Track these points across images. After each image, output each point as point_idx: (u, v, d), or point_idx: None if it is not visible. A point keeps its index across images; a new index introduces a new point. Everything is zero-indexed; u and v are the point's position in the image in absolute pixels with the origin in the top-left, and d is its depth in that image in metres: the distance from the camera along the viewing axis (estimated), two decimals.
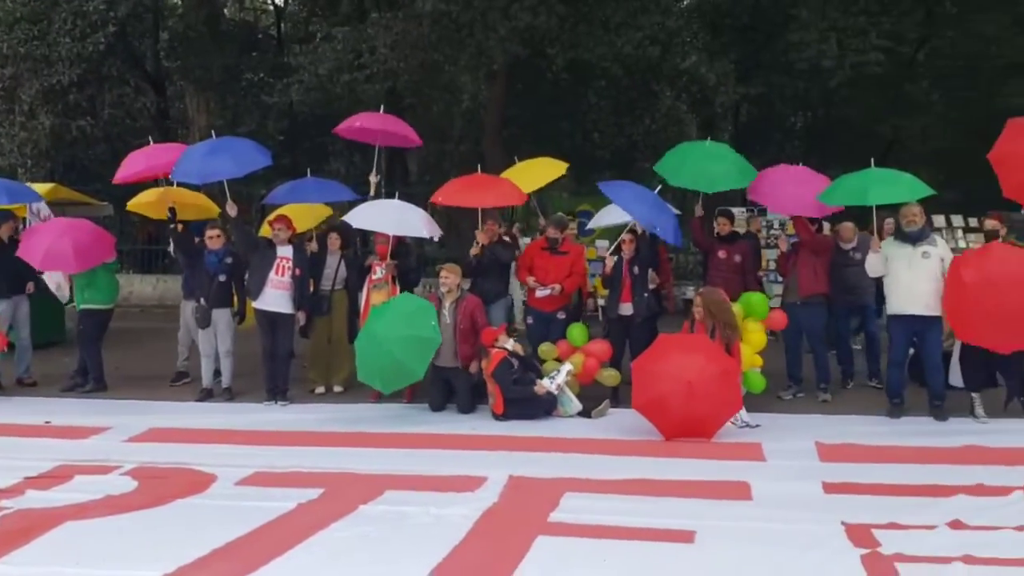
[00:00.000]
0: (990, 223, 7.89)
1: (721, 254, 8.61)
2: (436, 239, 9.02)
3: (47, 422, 7.74)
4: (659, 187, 8.33)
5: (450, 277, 7.98)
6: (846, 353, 8.90)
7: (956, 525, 4.94)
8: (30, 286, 9.35)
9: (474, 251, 8.52)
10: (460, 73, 13.87)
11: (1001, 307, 6.77)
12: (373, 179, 9.26)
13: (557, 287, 8.43)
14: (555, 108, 18.63)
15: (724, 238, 8.81)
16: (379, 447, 6.86)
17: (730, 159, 8.61)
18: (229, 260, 8.58)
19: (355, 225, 8.58)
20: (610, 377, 8.07)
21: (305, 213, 9.35)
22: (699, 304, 7.46)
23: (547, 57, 14.75)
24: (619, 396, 7.99)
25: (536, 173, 9.36)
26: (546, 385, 7.59)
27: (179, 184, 8.91)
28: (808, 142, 20.21)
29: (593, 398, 7.84)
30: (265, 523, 5.09)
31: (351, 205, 9.01)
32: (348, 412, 7.98)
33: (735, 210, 10.81)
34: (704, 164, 8.40)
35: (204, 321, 8.53)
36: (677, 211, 10.52)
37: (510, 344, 7.73)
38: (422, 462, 6.37)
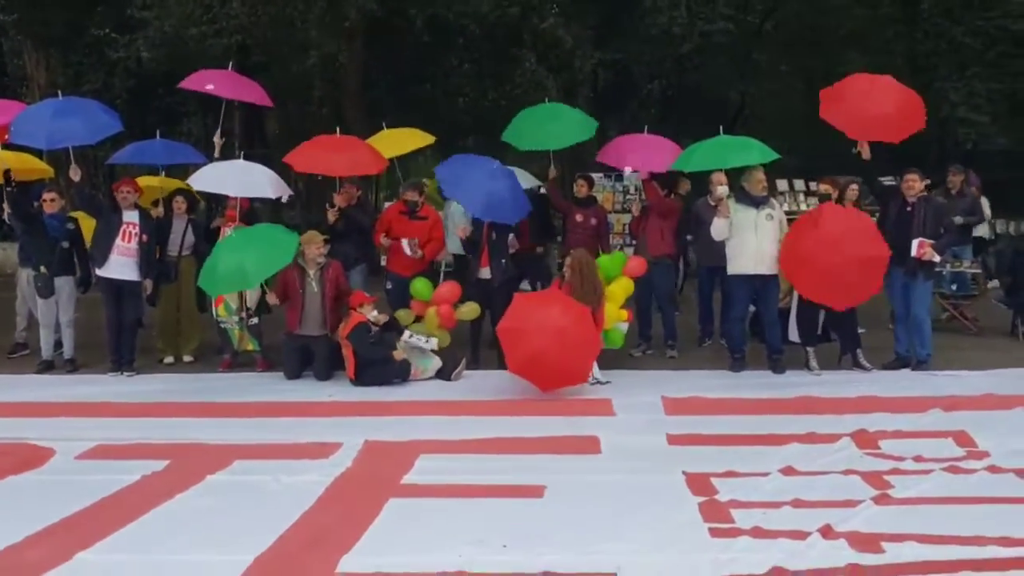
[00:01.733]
0: (823, 187, 8.33)
1: (578, 217, 8.75)
2: (285, 200, 8.78)
3: None
4: (496, 163, 8.36)
5: (322, 248, 7.82)
6: (706, 312, 9.25)
7: (788, 471, 5.23)
8: None
9: (331, 215, 8.36)
10: (311, 29, 13.43)
11: (833, 266, 7.18)
12: (218, 140, 8.92)
13: (416, 240, 8.40)
14: (418, 71, 18.39)
15: (581, 201, 8.96)
16: (230, 417, 6.69)
17: (566, 116, 8.88)
18: (71, 225, 8.11)
19: (196, 187, 8.29)
20: (469, 311, 8.02)
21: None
22: (569, 266, 7.55)
23: (406, 16, 14.52)
24: (479, 359, 8.08)
25: (400, 141, 9.25)
26: (405, 346, 7.57)
27: (12, 146, 8.32)
28: (663, 109, 20.71)
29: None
30: (106, 496, 4.91)
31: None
32: (198, 382, 7.74)
33: (594, 175, 11.01)
34: (544, 124, 8.64)
35: (46, 290, 8.07)
36: (536, 181, 10.64)
37: (373, 315, 7.63)
38: (275, 430, 6.26)
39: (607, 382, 7.37)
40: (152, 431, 6.24)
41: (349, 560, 4.03)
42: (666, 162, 8.12)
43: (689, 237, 9.26)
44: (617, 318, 7.92)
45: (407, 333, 7.76)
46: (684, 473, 5.18)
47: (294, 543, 4.27)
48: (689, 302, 9.85)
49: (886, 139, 7.52)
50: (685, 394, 7.04)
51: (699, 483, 5.03)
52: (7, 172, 8.13)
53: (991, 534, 4.23)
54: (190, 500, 4.90)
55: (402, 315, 8.16)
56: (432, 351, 7.73)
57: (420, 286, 8.16)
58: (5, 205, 8.23)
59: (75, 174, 7.80)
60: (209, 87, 8.90)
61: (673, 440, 5.92)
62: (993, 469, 5.28)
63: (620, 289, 7.99)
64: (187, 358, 8.53)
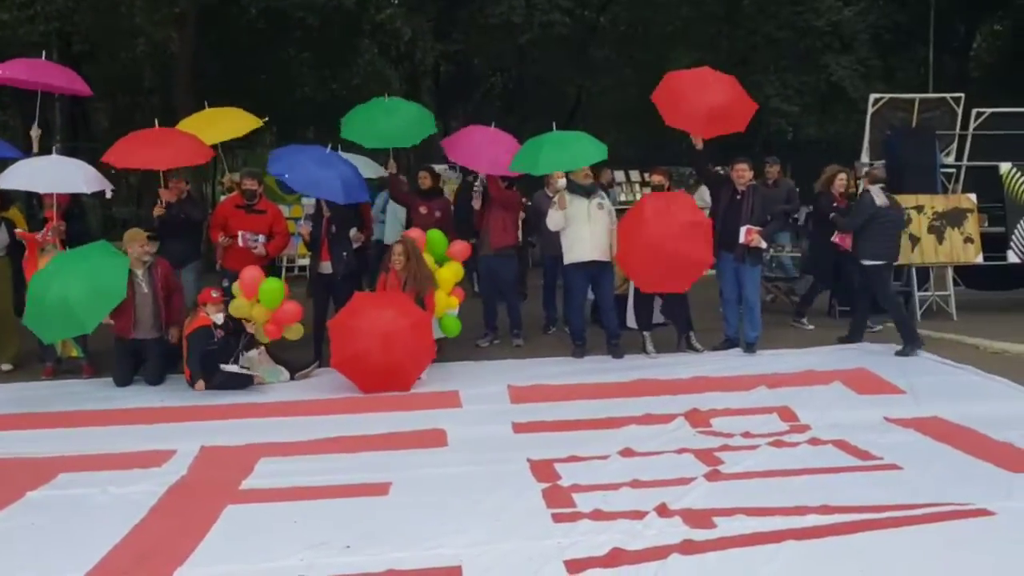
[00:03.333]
0: (656, 178, 8.63)
1: (422, 209, 8.71)
2: (109, 195, 8.29)
3: None
4: (329, 146, 8.24)
5: (149, 246, 7.44)
6: (549, 300, 9.41)
7: (626, 453, 5.40)
8: None
9: (157, 211, 7.97)
10: (136, 15, 12.75)
11: (655, 256, 7.48)
12: (34, 133, 8.34)
13: (261, 237, 8.13)
14: (254, 60, 17.84)
15: (424, 193, 8.94)
16: (54, 427, 6.27)
17: (404, 114, 8.77)
18: None
19: (3, 185, 7.70)
20: (293, 333, 7.72)
21: None
22: (400, 252, 7.48)
23: (239, 4, 14.02)
24: (322, 356, 7.92)
25: (224, 125, 8.88)
26: (252, 361, 7.33)
27: None
28: (506, 101, 20.98)
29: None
30: None
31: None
32: (18, 391, 7.24)
33: (439, 167, 10.99)
34: (377, 120, 8.54)
35: None
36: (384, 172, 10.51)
37: (220, 317, 7.31)
38: (103, 440, 5.91)
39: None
40: None
41: (183, 572, 3.86)
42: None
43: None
44: (447, 305, 7.94)
45: (258, 351, 7.45)
46: (528, 460, 5.25)
47: (124, 558, 4.04)
48: (535, 291, 10.00)
49: (733, 129, 7.84)
50: (530, 382, 7.15)
51: (543, 469, 5.11)
52: None
53: (812, 503, 4.50)
54: (9, 519, 4.58)
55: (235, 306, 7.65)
56: (277, 367, 7.51)
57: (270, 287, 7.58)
58: None
59: None
60: (7, 75, 8.30)
61: (518, 428, 6.01)
62: (814, 441, 5.63)
63: (449, 274, 8.00)
64: (5, 367, 7.95)
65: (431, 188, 9.01)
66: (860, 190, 8.77)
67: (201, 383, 7.03)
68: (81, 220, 8.32)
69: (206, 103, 9.26)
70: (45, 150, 8.51)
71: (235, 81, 17.20)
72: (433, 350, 7.29)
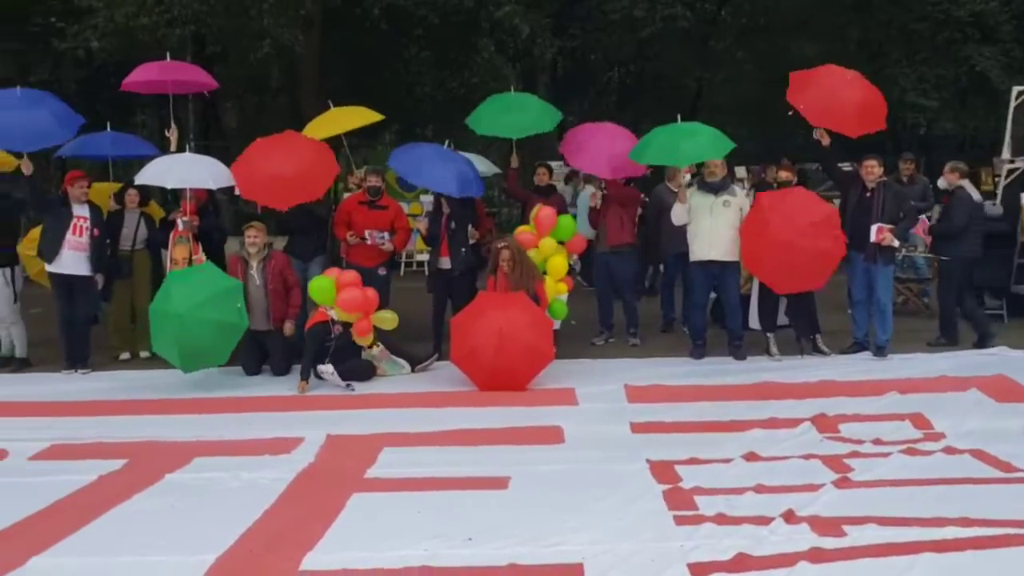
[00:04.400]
0: (783, 173, 8.39)
1: (538, 206, 8.71)
2: (239, 191, 8.58)
3: None
4: (446, 143, 8.37)
5: (259, 236, 7.68)
6: (668, 300, 9.25)
7: (750, 457, 5.27)
8: None
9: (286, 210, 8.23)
10: (264, 17, 13.22)
11: (786, 252, 7.23)
12: (170, 134, 8.71)
13: (386, 234, 8.32)
14: (376, 60, 18.24)
15: (540, 190, 8.96)
16: (189, 413, 6.58)
17: (531, 106, 8.83)
18: None
19: (138, 181, 8.12)
20: (386, 320, 7.74)
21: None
22: (507, 257, 7.48)
23: (363, 5, 14.37)
24: (441, 351, 8.03)
25: (345, 120, 9.10)
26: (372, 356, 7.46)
27: None
28: (621, 96, 20.80)
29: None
30: (61, 499, 4.80)
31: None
32: (155, 378, 7.58)
33: (553, 164, 11.00)
34: (507, 113, 8.62)
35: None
36: (496, 169, 10.64)
37: (334, 313, 7.48)
38: (235, 427, 6.16)
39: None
40: (108, 430, 6.11)
41: (312, 558, 3.98)
42: (631, 169, 8.19)
43: None
44: (556, 291, 7.98)
45: (379, 348, 7.58)
46: (648, 461, 5.19)
47: (256, 541, 4.20)
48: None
49: (844, 132, 7.59)
50: (647, 382, 7.05)
51: (663, 471, 5.04)
52: None
53: (950, 515, 4.29)
54: (149, 500, 4.80)
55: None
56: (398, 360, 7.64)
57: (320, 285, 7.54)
58: None
59: (27, 168, 7.63)
60: (140, 79, 8.71)
61: (636, 428, 5.94)
62: (949, 450, 5.37)
63: (558, 264, 8.04)
64: (144, 354, 8.33)
65: (548, 185, 9.05)
66: (953, 187, 8.25)
67: (304, 384, 7.09)
68: (214, 216, 8.67)
69: (331, 103, 9.49)
70: (180, 149, 8.91)
71: (358, 81, 17.63)
72: (551, 354, 7.23)
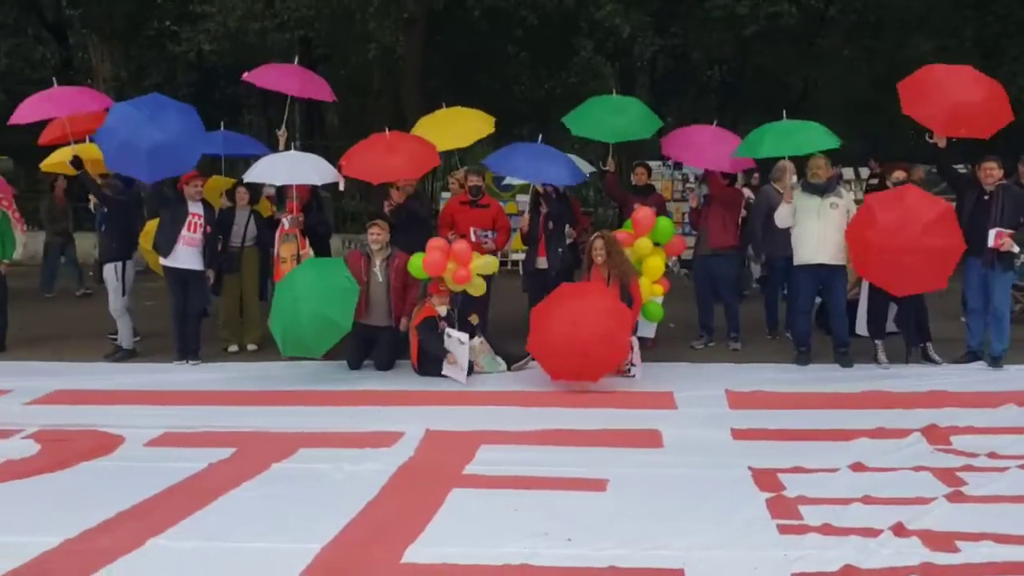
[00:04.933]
0: (898, 174, 8.11)
1: (636, 206, 8.65)
2: (342, 187, 8.78)
3: None
4: (540, 137, 8.39)
5: (382, 234, 7.84)
6: (771, 303, 9.07)
7: (857, 467, 5.11)
8: None
9: (388, 209, 8.40)
10: (369, 21, 13.49)
11: (901, 250, 6.96)
12: (281, 134, 8.98)
13: (489, 232, 8.40)
14: (475, 60, 18.41)
15: (639, 190, 8.90)
16: (293, 405, 6.76)
17: (632, 111, 8.74)
18: None
19: (246, 179, 8.41)
20: (488, 265, 7.86)
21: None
22: (599, 247, 7.47)
23: (464, 6, 14.52)
24: None
25: (460, 129, 9.11)
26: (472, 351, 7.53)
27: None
28: (723, 96, 20.46)
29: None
30: (174, 484, 4.99)
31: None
32: (262, 370, 7.84)
33: (652, 163, 10.92)
34: (606, 116, 8.56)
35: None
36: (592, 168, 10.61)
37: (443, 309, 7.60)
38: (337, 419, 6.32)
39: (632, 375, 7.30)
40: (218, 419, 6.34)
41: (414, 551, 4.04)
42: (735, 163, 8.08)
43: None
44: (652, 292, 7.91)
45: (480, 340, 7.67)
46: (750, 468, 5.09)
47: (359, 532, 4.29)
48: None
49: (975, 135, 7.29)
50: (749, 388, 6.92)
51: (766, 479, 4.94)
52: (77, 158, 8.26)
53: None
54: (256, 488, 4.95)
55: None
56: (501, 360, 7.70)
57: (416, 261, 7.74)
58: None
59: None
60: (272, 80, 8.96)
61: (737, 435, 5.83)
62: None
63: (657, 262, 7.97)
64: (251, 347, 8.64)
65: (646, 185, 8.98)
66: None
67: (452, 356, 7.30)
68: (319, 212, 8.89)
69: (443, 104, 9.60)
70: (286, 148, 9.17)
71: (459, 82, 17.84)
72: (626, 347, 7.13)
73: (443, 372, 7.35)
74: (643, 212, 7.98)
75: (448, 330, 7.45)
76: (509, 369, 7.64)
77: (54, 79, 9.17)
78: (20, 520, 4.51)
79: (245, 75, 9.05)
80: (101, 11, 17.08)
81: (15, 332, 8.98)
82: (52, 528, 4.32)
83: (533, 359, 7.64)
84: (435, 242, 7.71)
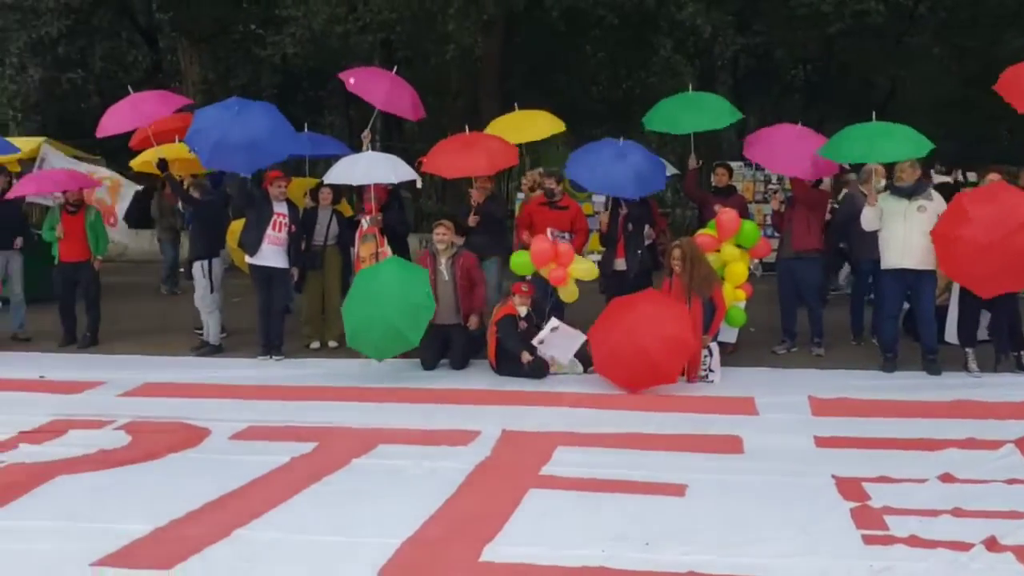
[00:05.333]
0: (992, 176, 7.81)
1: (716, 208, 8.52)
2: (420, 184, 8.88)
3: (41, 377, 7.75)
4: (620, 139, 8.28)
5: (447, 234, 7.94)
6: (857, 308, 8.82)
7: (946, 478, 4.96)
8: (18, 241, 9.29)
9: (472, 222, 8.47)
10: (449, 22, 13.58)
11: (994, 247, 6.72)
12: (365, 137, 9.11)
13: (567, 234, 8.39)
14: (553, 60, 18.38)
15: (719, 191, 8.77)
16: (372, 401, 6.88)
17: (707, 104, 8.68)
18: None
19: (326, 181, 8.57)
20: (586, 271, 7.85)
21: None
22: (679, 257, 7.40)
23: (543, 7, 14.51)
24: None
25: (528, 128, 9.21)
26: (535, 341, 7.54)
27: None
28: (807, 95, 20.01)
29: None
30: (258, 477, 5.13)
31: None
32: (342, 367, 7.98)
33: (733, 164, 10.72)
34: (681, 111, 8.49)
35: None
36: (676, 169, 10.50)
37: (524, 310, 7.65)
38: (415, 416, 6.39)
39: (710, 380, 7.23)
40: (300, 414, 6.49)
41: (492, 549, 4.06)
42: (819, 169, 7.89)
43: None
44: (735, 297, 7.80)
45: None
46: (834, 477, 4.98)
47: (438, 529, 4.34)
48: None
49: None
50: (834, 394, 6.76)
51: (850, 487, 4.82)
52: (163, 160, 8.54)
53: None
54: (337, 483, 5.06)
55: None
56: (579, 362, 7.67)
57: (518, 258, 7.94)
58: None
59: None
60: (365, 87, 9.05)
61: (821, 442, 5.70)
62: None
63: (742, 267, 7.88)
64: (331, 344, 8.78)
65: (727, 186, 8.85)
66: None
67: (526, 354, 7.36)
68: (399, 212, 9.00)
69: (516, 105, 9.65)
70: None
71: (537, 83, 17.84)
72: (691, 341, 7.01)
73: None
74: (728, 215, 7.86)
75: (556, 323, 7.52)
76: (586, 371, 7.61)
77: (129, 88, 9.50)
78: (113, 508, 4.69)
79: (342, 75, 9.10)
80: (190, 15, 17.59)
81: (106, 326, 9.31)
82: (143, 516, 4.49)
83: None
84: (543, 238, 7.78)
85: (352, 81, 8.87)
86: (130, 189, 11.07)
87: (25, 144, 11.10)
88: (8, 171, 10.08)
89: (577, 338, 7.50)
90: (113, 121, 8.78)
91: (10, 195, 8.97)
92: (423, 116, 9.70)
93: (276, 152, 7.98)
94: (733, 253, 7.85)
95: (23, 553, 4.13)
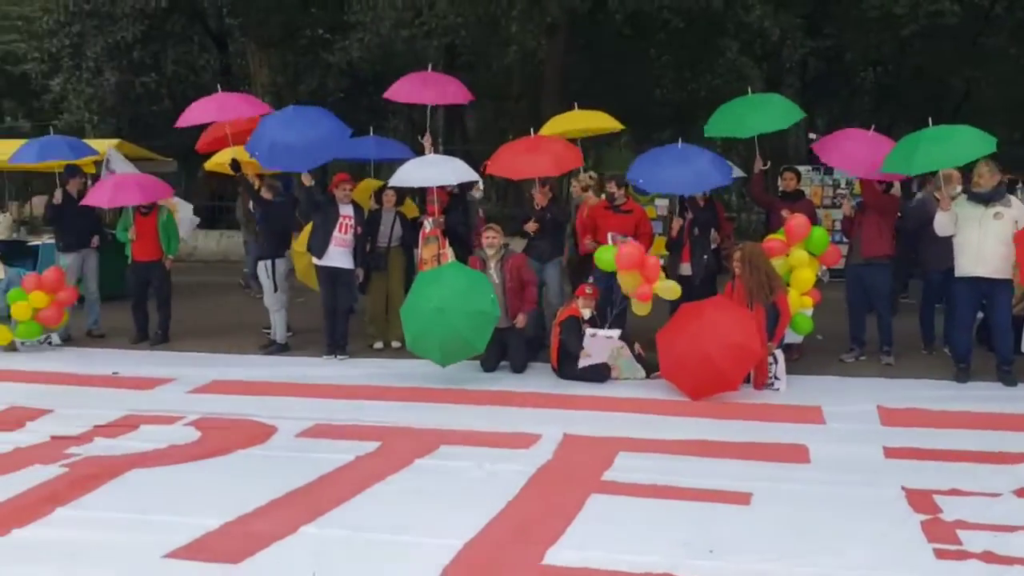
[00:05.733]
0: None
1: (784, 213, 8.38)
2: (482, 186, 8.91)
3: (115, 373, 7.99)
4: (679, 140, 8.23)
5: (497, 238, 8.01)
6: (928, 316, 8.59)
7: (1022, 493, 4.80)
8: (95, 240, 9.59)
9: (532, 227, 8.50)
10: (511, 25, 13.61)
11: None
12: (426, 141, 9.19)
13: (629, 239, 8.33)
14: (616, 64, 18.30)
15: (787, 195, 8.63)
16: (435, 402, 6.93)
17: (768, 106, 8.53)
18: None
19: (390, 183, 8.70)
20: (669, 290, 7.70)
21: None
22: (739, 260, 7.31)
23: (607, 10, 14.47)
24: None
25: (584, 124, 9.27)
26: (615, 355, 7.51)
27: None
28: (877, 98, 19.59)
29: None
30: (324, 474, 5.20)
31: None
32: (405, 367, 8.03)
33: (801, 168, 10.55)
34: (743, 114, 8.35)
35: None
36: (742, 172, 10.37)
37: (587, 313, 7.65)
38: (477, 418, 6.42)
39: (776, 388, 7.11)
40: (364, 413, 6.58)
41: (554, 553, 4.05)
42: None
43: None
44: (801, 304, 7.64)
45: (621, 346, 7.58)
46: (904, 489, 4.86)
47: (501, 531, 4.35)
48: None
49: None
50: (903, 404, 6.60)
51: (921, 500, 4.70)
52: (235, 161, 8.73)
53: None
54: (400, 482, 5.11)
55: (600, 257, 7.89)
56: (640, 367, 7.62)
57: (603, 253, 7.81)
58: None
59: (307, 180, 8.38)
60: (404, 93, 9.19)
61: (890, 453, 5.56)
62: None
63: (809, 273, 7.70)
64: (395, 344, 8.83)
65: (795, 190, 8.70)
66: None
67: (585, 351, 7.36)
68: (462, 214, 9.06)
69: (575, 104, 9.66)
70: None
71: (600, 86, 17.78)
72: (758, 349, 6.90)
73: (579, 365, 7.41)
74: (798, 220, 7.73)
75: (593, 331, 7.46)
76: (648, 377, 7.55)
77: (218, 86, 9.74)
78: (184, 502, 4.80)
79: (386, 94, 9.31)
80: (259, 20, 17.95)
81: (176, 324, 9.55)
82: (212, 511, 4.59)
83: None
84: (633, 243, 7.75)
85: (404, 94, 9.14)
86: (187, 210, 11.38)
87: (101, 146, 11.42)
88: (84, 172, 10.40)
89: (612, 341, 7.43)
90: (195, 113, 8.98)
91: (84, 202, 9.22)
92: (472, 98, 9.84)
93: (329, 150, 8.39)
94: (801, 258, 7.70)
95: (98, 544, 4.25)
